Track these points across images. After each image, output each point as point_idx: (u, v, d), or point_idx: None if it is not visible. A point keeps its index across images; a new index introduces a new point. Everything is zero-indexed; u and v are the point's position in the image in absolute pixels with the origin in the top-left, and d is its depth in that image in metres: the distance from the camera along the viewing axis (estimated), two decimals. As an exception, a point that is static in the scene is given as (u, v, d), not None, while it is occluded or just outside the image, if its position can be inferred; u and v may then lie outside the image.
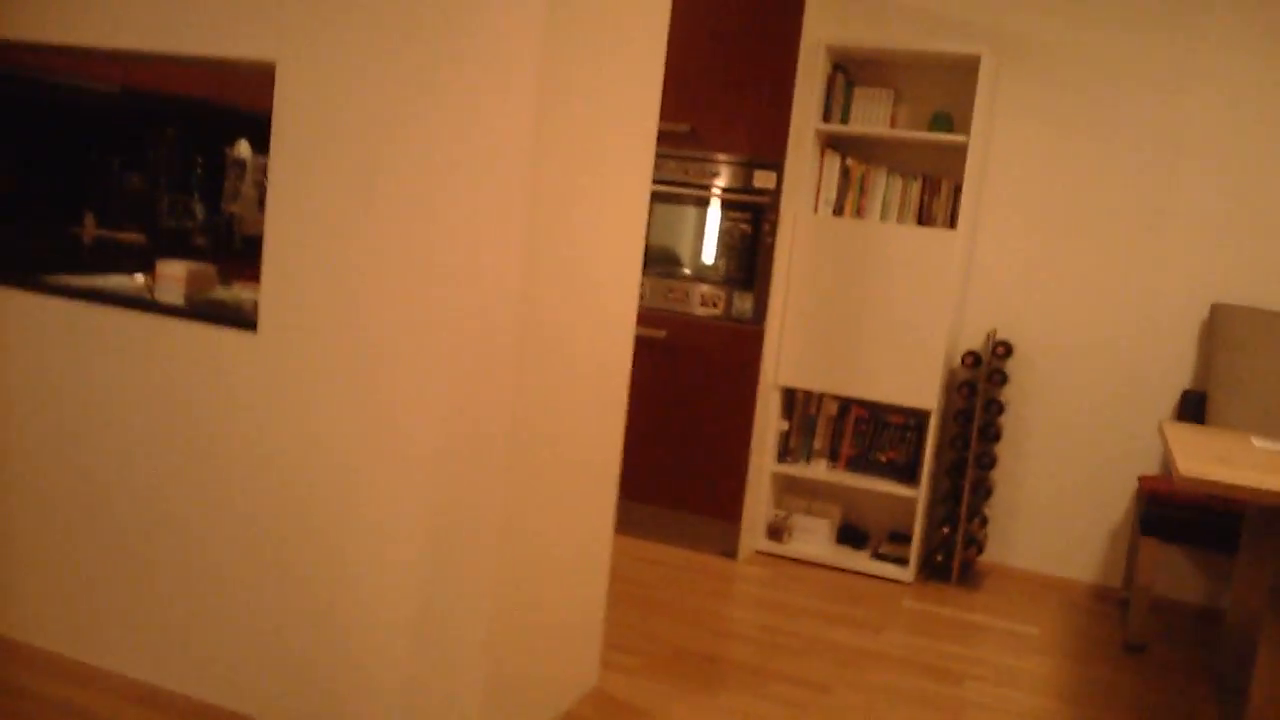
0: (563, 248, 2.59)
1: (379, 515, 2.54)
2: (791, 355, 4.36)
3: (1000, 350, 4.21)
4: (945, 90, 4.42)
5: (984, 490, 4.28)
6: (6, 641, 2.97)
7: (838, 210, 4.37)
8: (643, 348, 4.35)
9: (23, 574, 2.99)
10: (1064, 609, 4.16)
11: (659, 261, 4.35)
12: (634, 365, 4.37)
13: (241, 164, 5.17)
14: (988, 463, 4.24)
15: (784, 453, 4.51)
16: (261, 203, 5.16)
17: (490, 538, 2.49)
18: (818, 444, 4.50)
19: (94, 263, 3.37)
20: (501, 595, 2.54)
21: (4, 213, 4.11)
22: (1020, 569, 4.50)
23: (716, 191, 4.25)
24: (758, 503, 4.39)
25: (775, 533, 4.45)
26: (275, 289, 2.62)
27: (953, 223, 4.22)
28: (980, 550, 4.32)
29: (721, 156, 4.23)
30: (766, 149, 4.16)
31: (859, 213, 4.34)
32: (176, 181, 4.98)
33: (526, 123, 2.37)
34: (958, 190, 4.24)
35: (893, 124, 4.42)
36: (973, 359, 4.24)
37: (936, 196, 4.28)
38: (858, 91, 4.40)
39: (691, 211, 4.30)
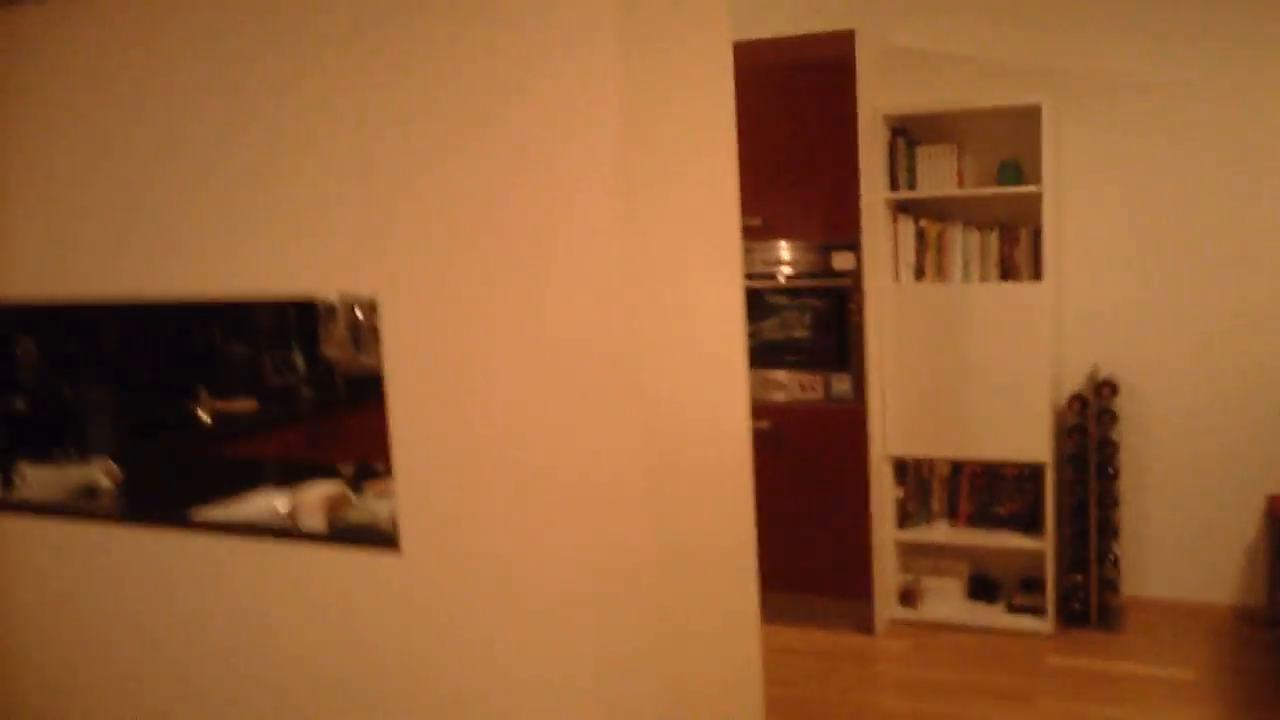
0: (678, 362, 2.65)
1: (544, 706, 2.65)
2: (897, 425, 4.38)
3: (1106, 390, 4.18)
4: (1009, 137, 4.38)
5: (1110, 530, 4.26)
6: None
7: (919, 273, 4.37)
8: (748, 438, 4.41)
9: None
10: (1211, 640, 4.13)
11: (751, 354, 4.40)
12: (742, 458, 4.43)
13: (332, 308, 5.34)
14: (1110, 502, 4.22)
15: (903, 518, 4.54)
16: (356, 343, 5.34)
17: (651, 681, 2.56)
18: (935, 505, 4.52)
19: (227, 478, 3.53)
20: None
21: (126, 398, 4.32)
22: (1158, 599, 4.47)
23: (797, 279, 4.28)
24: (885, 572, 4.43)
25: (907, 598, 4.49)
26: (411, 507, 2.74)
27: (1037, 273, 4.20)
28: (1115, 590, 4.30)
29: (797, 244, 4.27)
30: (840, 230, 4.18)
31: (941, 272, 4.34)
32: (274, 339, 5.17)
33: (619, 316, 2.44)
34: (1037, 236, 4.21)
35: (960, 179, 4.40)
36: (1080, 403, 4.22)
37: (1017, 245, 4.26)
38: (920, 150, 4.39)
39: (775, 301, 4.34)
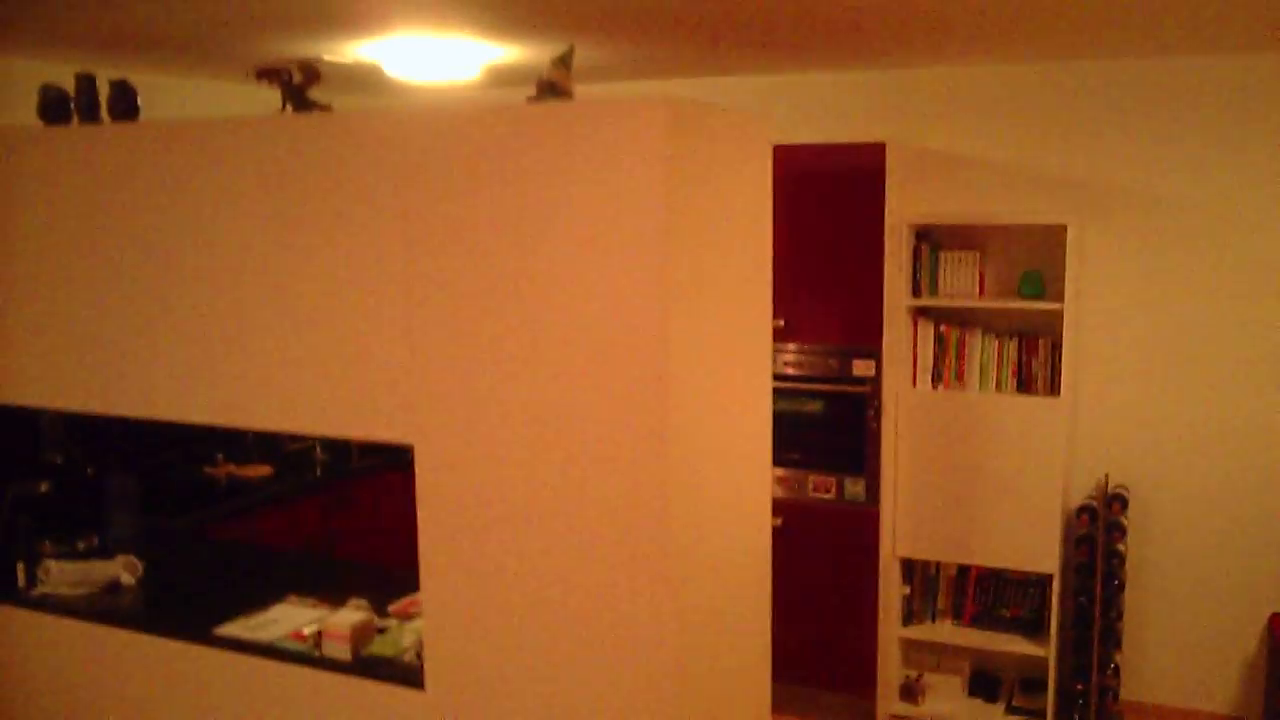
0: (708, 477, 2.68)
1: None
2: (907, 528, 4.44)
3: (1116, 507, 4.24)
4: (1032, 248, 4.42)
5: (1113, 639, 4.33)
6: None
7: (936, 377, 4.41)
8: (759, 532, 4.47)
9: None
10: (1208, 753, 4.21)
11: (766, 448, 4.46)
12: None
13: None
14: (1115, 614, 4.28)
15: (908, 615, 4.60)
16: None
17: None
18: (941, 603, 4.58)
19: (253, 588, 3.56)
20: None
21: (146, 457, 4.35)
22: (1157, 705, 4.54)
23: (816, 382, 4.32)
24: (888, 668, 4.50)
25: (908, 693, 4.55)
26: (439, 649, 2.79)
27: (1054, 388, 4.24)
28: (1115, 698, 4.37)
29: (818, 347, 4.31)
30: (862, 336, 4.22)
31: (958, 377, 4.39)
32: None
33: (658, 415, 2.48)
34: (1055, 348, 4.26)
35: (981, 287, 4.44)
36: (1089, 515, 4.28)
37: (1035, 355, 4.30)
38: (943, 255, 4.42)
39: (795, 402, 4.38)
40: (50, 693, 3.42)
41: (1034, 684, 4.54)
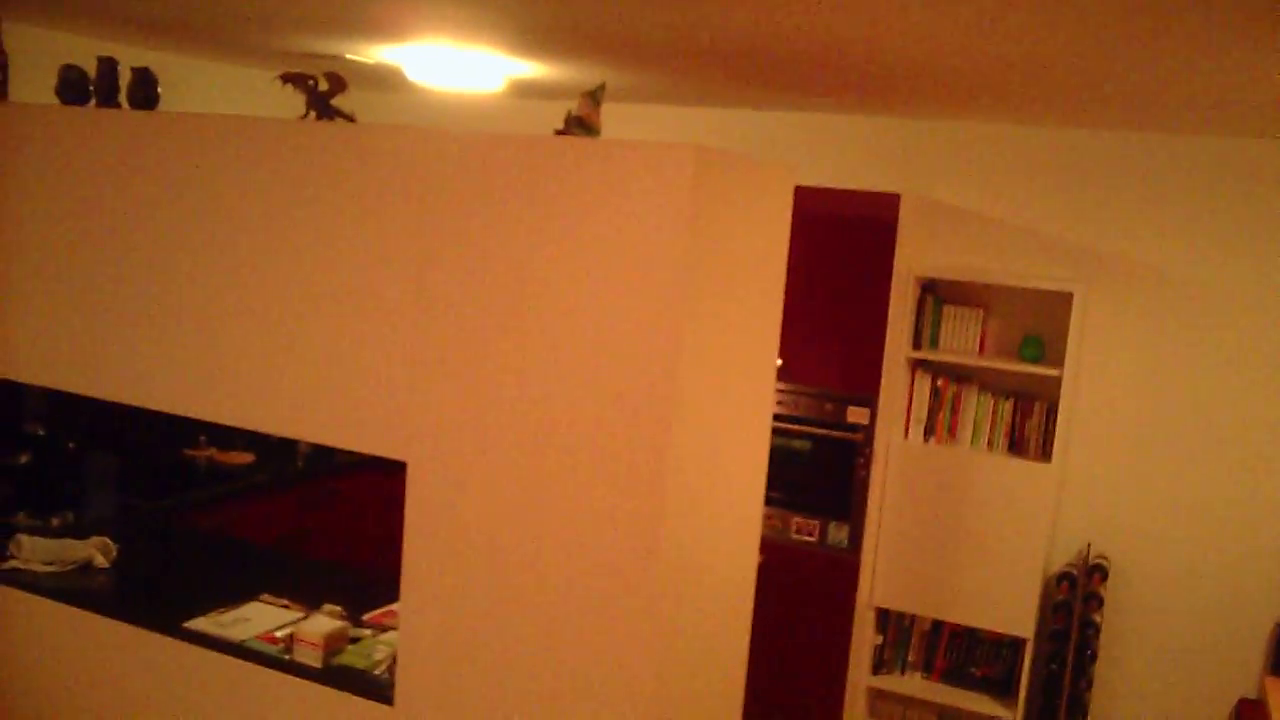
0: (703, 512, 2.67)
1: None
2: (885, 578, 4.43)
3: (1096, 578, 4.24)
4: (1036, 311, 4.43)
5: (1081, 709, 4.33)
6: None
7: (929, 430, 4.41)
8: (738, 568, 4.45)
9: None
10: (1164, 830, 4.20)
11: (752, 484, 4.44)
12: (730, 587, 4.47)
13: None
14: (1085, 684, 4.28)
15: (878, 664, 4.59)
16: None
17: None
18: (911, 656, 4.58)
19: (223, 585, 3.53)
20: None
21: (128, 434, 4.31)
22: (1117, 777, 4.55)
23: (809, 425, 4.32)
24: (854, 716, 4.49)
25: (872, 742, 4.55)
26: (412, 668, 2.76)
27: (1045, 453, 4.25)
28: (1078, 768, 4.38)
29: (814, 389, 4.30)
30: (859, 384, 4.22)
31: (951, 432, 4.39)
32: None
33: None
34: (1049, 413, 4.26)
35: (982, 344, 4.45)
36: (1068, 582, 4.28)
37: (1029, 418, 4.31)
38: (947, 310, 4.43)
39: (785, 441, 4.37)
40: (10, 668, 3.38)
41: (997, 745, 4.55)
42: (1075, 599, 4.29)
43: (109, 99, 3.10)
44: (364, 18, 3.11)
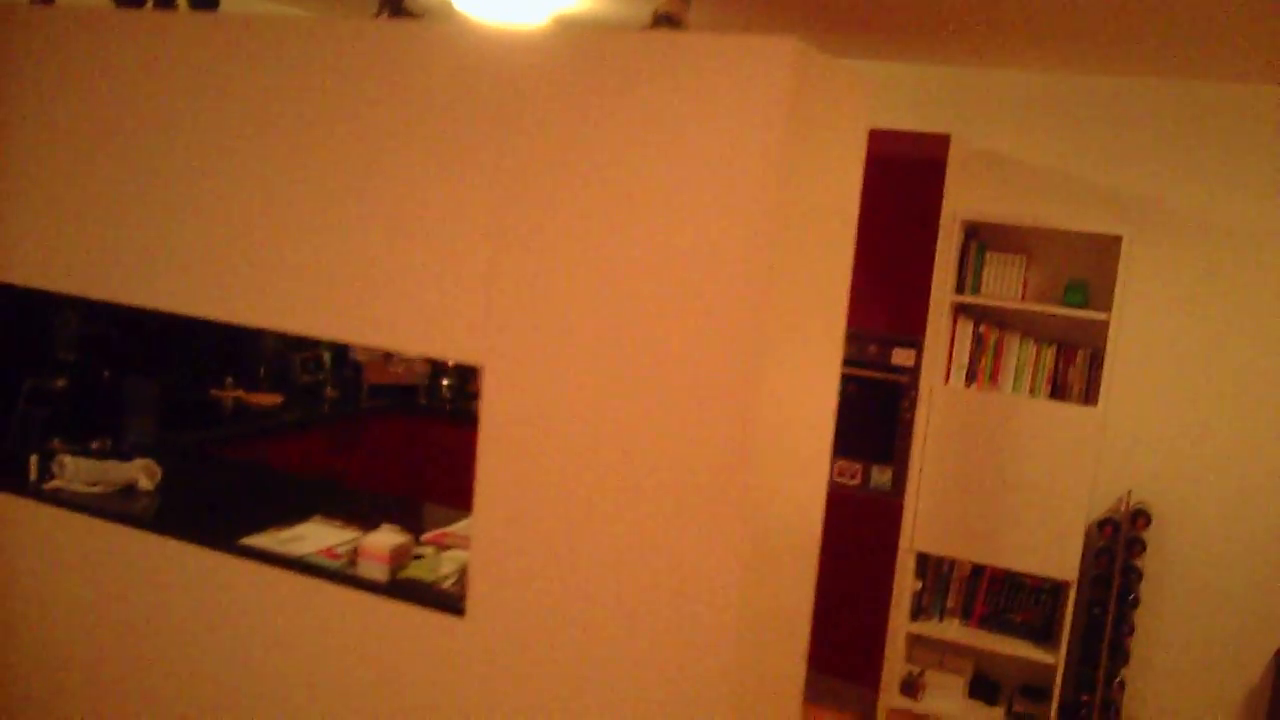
0: (780, 447, 2.62)
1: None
2: (927, 522, 4.41)
3: (1140, 522, 4.23)
4: (1080, 258, 4.41)
5: (1122, 655, 4.32)
6: None
7: (970, 377, 4.39)
8: (778, 512, 4.41)
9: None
10: (1203, 776, 4.20)
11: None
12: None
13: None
14: (1126, 629, 4.27)
15: (916, 610, 4.56)
16: (387, 353, 5.26)
17: None
18: (950, 602, 4.55)
19: (274, 507, 3.46)
20: None
21: (151, 378, 4.21)
22: (1154, 725, 4.55)
23: (854, 367, 4.28)
24: (892, 660, 4.46)
25: (908, 688, 4.51)
26: (485, 574, 2.70)
27: (1090, 396, 4.23)
28: (1118, 713, 4.36)
29: (859, 331, 4.26)
30: (905, 326, 4.19)
31: (993, 378, 4.36)
32: (306, 337, 5.07)
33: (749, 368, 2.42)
34: (1094, 359, 4.25)
35: (1025, 290, 4.43)
36: (1111, 528, 4.27)
37: (1072, 364, 4.29)
38: (990, 256, 4.41)
39: (827, 382, 4.34)
40: (58, 589, 3.29)
41: (1033, 692, 4.52)
42: (1117, 544, 4.28)
43: (167, 1, 3.02)
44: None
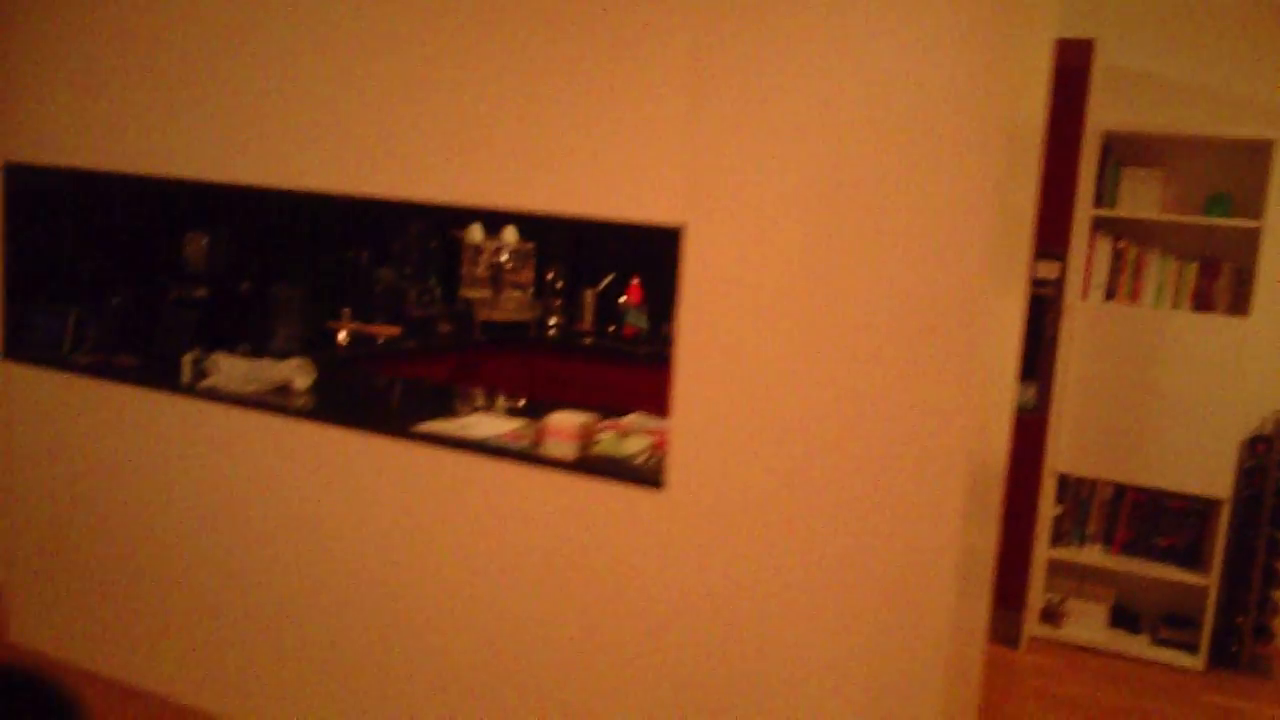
0: (990, 366, 2.54)
1: (806, 671, 2.52)
2: (1069, 442, 4.30)
3: (1293, 436, 4.11)
4: (1219, 170, 4.31)
5: (1275, 578, 4.19)
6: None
7: (1110, 293, 4.29)
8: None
9: None
10: (1363, 699, 4.07)
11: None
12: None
13: (477, 249, 5.19)
14: (1277, 549, 4.15)
15: (1057, 536, 4.44)
16: (496, 286, 5.19)
17: (936, 682, 2.43)
18: (1091, 528, 4.43)
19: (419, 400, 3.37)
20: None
21: (267, 312, 4.14)
22: (1303, 653, 4.41)
23: (995, 280, 4.19)
24: (1033, 588, 4.34)
25: (1049, 616, 4.40)
26: (684, 446, 2.61)
27: (1238, 308, 4.12)
28: (1270, 638, 4.23)
29: (999, 244, 4.17)
30: (1049, 239, 4.09)
31: (1134, 296, 4.26)
32: (419, 271, 5.01)
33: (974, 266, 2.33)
34: (1237, 272, 4.14)
35: (1164, 205, 4.33)
36: (1264, 445, 4.15)
37: (1216, 279, 4.19)
38: (1125, 172, 4.31)
39: (966, 299, 4.24)
40: (226, 486, 3.21)
41: (1178, 620, 4.39)
42: (1270, 463, 4.16)
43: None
44: None
